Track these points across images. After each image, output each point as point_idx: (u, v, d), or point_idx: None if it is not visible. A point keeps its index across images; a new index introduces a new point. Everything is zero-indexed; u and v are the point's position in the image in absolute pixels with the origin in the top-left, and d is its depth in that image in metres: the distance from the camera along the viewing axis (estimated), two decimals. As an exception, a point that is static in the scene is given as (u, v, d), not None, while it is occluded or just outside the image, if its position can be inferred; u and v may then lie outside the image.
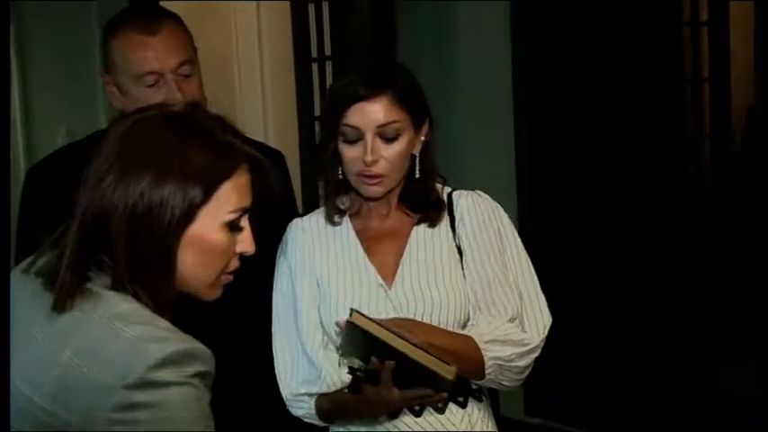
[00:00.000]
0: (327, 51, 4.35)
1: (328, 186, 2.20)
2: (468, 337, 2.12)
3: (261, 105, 4.18)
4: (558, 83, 4.30)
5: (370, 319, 1.98)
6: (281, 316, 2.20)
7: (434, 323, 2.13)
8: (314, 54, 4.30)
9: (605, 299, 4.43)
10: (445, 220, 2.21)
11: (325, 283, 2.18)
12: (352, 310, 1.99)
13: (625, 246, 4.50)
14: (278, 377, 2.19)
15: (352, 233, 2.21)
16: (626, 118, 4.50)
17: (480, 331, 2.13)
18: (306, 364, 2.15)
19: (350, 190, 2.20)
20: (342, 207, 2.22)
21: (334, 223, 2.21)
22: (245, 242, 1.61)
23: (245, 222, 1.60)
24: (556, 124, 4.32)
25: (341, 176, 2.17)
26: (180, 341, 1.46)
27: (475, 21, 4.37)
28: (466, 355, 2.08)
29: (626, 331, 4.45)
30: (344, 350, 2.11)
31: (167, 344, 1.45)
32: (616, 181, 4.49)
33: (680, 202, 4.69)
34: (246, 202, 1.59)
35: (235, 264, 1.62)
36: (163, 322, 1.50)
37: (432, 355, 1.97)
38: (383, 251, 2.20)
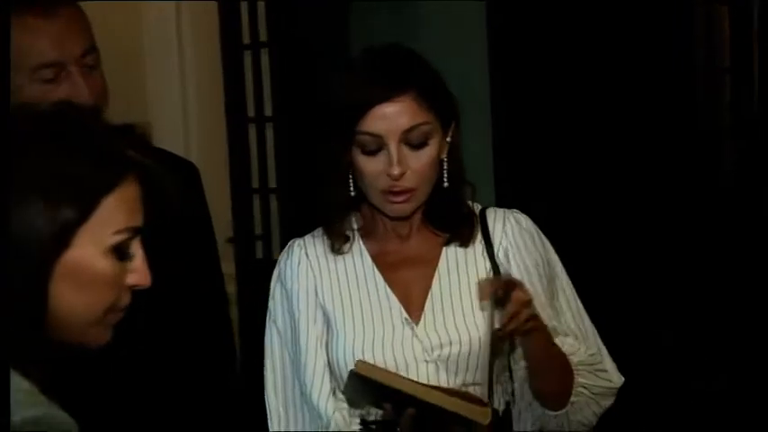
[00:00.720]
0: (263, 37, 3.95)
1: (334, 208, 2.02)
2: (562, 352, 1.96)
3: (180, 105, 3.83)
4: (548, 75, 3.99)
5: (378, 368, 1.86)
6: (276, 354, 2.07)
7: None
8: (246, 40, 3.93)
9: (605, 299, 4.01)
10: (479, 242, 2.03)
11: (336, 319, 2.01)
12: (359, 361, 1.88)
13: (626, 247, 4.28)
14: (272, 424, 2.07)
15: (368, 258, 2.04)
16: (627, 115, 4.17)
17: (567, 351, 1.97)
18: (306, 413, 2.04)
19: (361, 207, 2.04)
20: (348, 234, 2.04)
21: (340, 252, 2.04)
22: (138, 272, 1.45)
23: (136, 248, 1.45)
24: (543, 125, 4.04)
25: (353, 193, 1.99)
26: (32, 406, 1.28)
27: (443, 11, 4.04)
28: (561, 366, 1.94)
29: (625, 331, 4.03)
30: (352, 399, 1.96)
31: (14, 410, 1.26)
32: (615, 180, 4.21)
33: (691, 203, 4.35)
34: (136, 221, 1.44)
35: (126, 299, 1.46)
36: (22, 382, 1.31)
37: (458, 397, 1.81)
38: (406, 279, 2.02)
